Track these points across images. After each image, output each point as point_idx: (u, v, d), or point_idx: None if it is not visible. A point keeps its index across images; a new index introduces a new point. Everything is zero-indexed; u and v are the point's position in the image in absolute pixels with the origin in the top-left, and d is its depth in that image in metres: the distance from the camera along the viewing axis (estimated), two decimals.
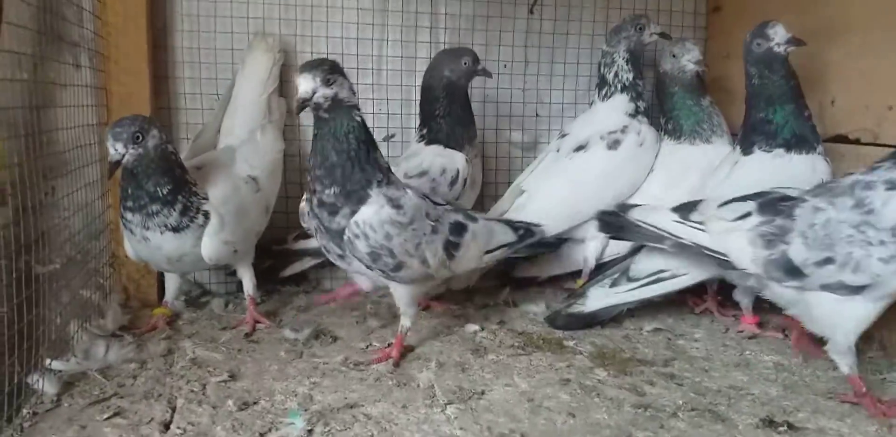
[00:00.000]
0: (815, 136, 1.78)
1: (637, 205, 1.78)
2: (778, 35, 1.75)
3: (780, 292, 1.51)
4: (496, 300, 2.08)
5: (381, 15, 2.20)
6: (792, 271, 1.45)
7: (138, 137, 1.54)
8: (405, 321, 1.63)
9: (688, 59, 2.06)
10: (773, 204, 1.51)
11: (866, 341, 1.65)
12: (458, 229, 1.63)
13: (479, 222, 1.69)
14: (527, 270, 2.20)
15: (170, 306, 1.84)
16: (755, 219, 1.51)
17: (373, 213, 1.44)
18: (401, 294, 1.61)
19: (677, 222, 1.63)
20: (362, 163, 1.46)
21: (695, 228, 1.60)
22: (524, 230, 1.81)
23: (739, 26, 2.28)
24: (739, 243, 1.51)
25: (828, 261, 1.40)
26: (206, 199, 1.70)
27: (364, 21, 2.19)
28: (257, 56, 2.04)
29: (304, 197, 1.55)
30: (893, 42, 1.69)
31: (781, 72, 1.76)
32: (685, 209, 1.65)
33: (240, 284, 1.88)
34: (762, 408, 1.42)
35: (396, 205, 1.48)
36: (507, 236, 1.78)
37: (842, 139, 1.87)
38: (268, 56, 2.04)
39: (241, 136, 1.98)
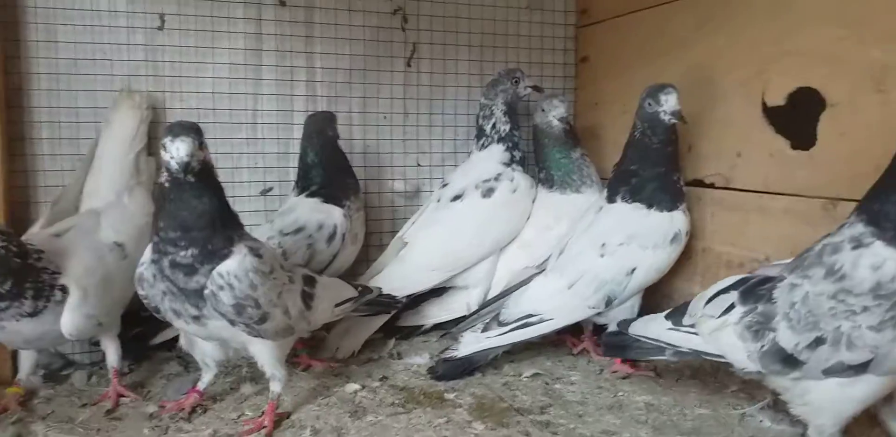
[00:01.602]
0: (679, 197, 1.85)
1: (634, 319, 1.65)
2: (668, 103, 1.76)
3: (786, 384, 1.36)
4: (380, 354, 2.05)
5: (255, 70, 2.19)
6: (788, 360, 1.29)
7: None
8: (275, 387, 1.58)
9: (553, 115, 2.14)
10: (753, 290, 1.38)
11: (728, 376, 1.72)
12: (310, 280, 1.67)
13: (324, 277, 1.76)
14: (411, 319, 2.20)
15: (23, 385, 1.71)
16: (739, 310, 1.38)
17: (237, 263, 1.42)
18: (265, 354, 1.57)
19: (671, 329, 1.51)
20: (225, 223, 1.45)
21: (688, 333, 1.47)
22: (362, 287, 1.88)
23: (606, 76, 2.42)
24: (730, 340, 1.37)
25: (818, 342, 1.24)
26: (59, 273, 1.60)
27: (236, 76, 2.17)
28: (123, 113, 1.97)
29: (143, 261, 1.49)
30: (742, 93, 1.81)
31: (662, 136, 1.81)
32: (677, 314, 1.53)
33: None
34: None
35: (257, 254, 1.48)
36: (350, 291, 1.83)
37: (698, 183, 1.98)
38: (135, 113, 1.98)
39: (106, 197, 1.90)
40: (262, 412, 1.61)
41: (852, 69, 1.52)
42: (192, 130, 1.37)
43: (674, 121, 1.77)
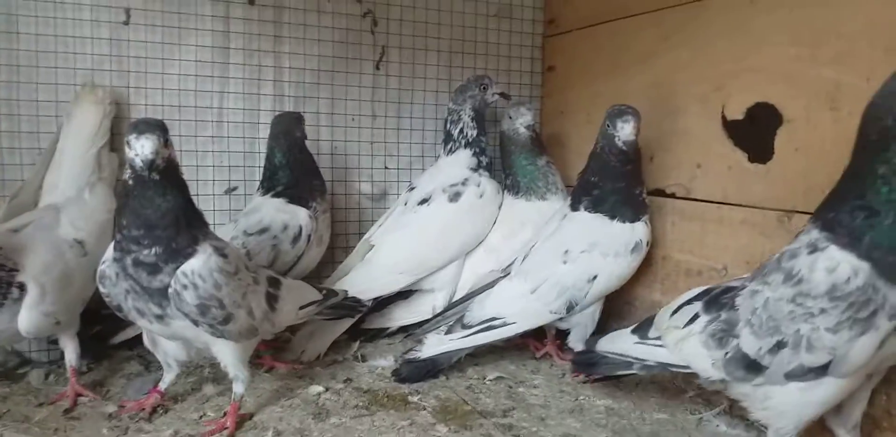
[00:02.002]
0: (641, 209, 1.89)
1: (602, 336, 1.68)
2: (622, 131, 1.78)
3: (748, 391, 1.37)
4: (345, 356, 2.05)
5: (222, 68, 2.17)
6: (751, 365, 1.32)
7: None
8: (238, 388, 1.57)
9: (520, 123, 2.17)
10: (717, 299, 1.42)
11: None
12: (275, 282, 1.67)
13: (288, 279, 1.76)
14: (376, 321, 2.20)
15: None
16: (703, 319, 1.41)
17: (202, 263, 1.41)
18: (228, 355, 1.56)
19: (638, 343, 1.54)
20: (190, 221, 1.44)
21: (654, 345, 1.50)
22: (326, 291, 1.88)
23: (572, 86, 2.47)
24: (695, 349, 1.40)
25: (780, 345, 1.28)
26: (17, 270, 1.56)
27: (203, 73, 2.15)
28: (85, 108, 1.93)
29: (105, 259, 1.46)
30: (703, 106, 1.87)
31: (620, 157, 1.83)
32: (643, 327, 1.56)
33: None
34: None
35: (222, 254, 1.47)
36: (314, 294, 1.83)
37: (660, 193, 2.03)
38: (97, 108, 1.94)
39: (66, 193, 1.86)
40: (225, 413, 1.59)
41: (807, 87, 1.58)
42: (158, 128, 1.36)
43: (625, 149, 1.81)
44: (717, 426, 1.64)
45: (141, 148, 1.33)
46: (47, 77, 1.97)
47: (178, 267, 1.39)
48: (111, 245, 1.47)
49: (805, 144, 1.59)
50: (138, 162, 1.33)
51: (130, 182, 1.39)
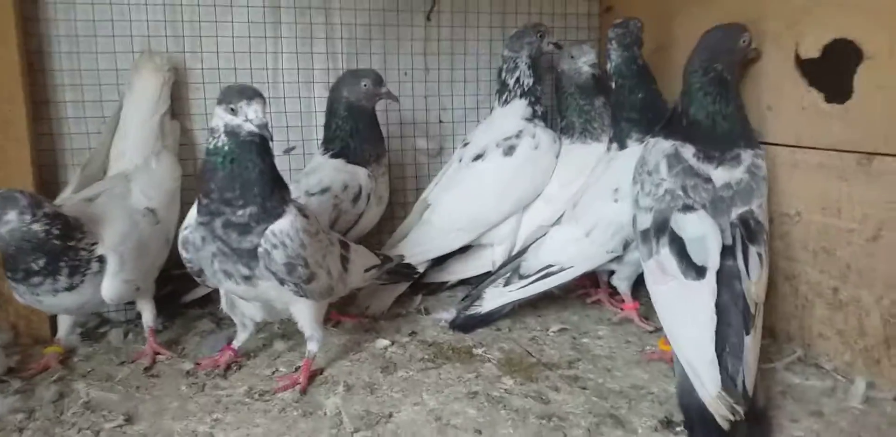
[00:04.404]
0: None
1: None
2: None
3: None
4: (408, 309, 2.08)
5: (274, 27, 2.16)
6: None
7: None
8: (312, 346, 1.62)
9: (584, 62, 2.12)
10: None
11: None
12: (345, 244, 1.71)
13: (352, 244, 1.79)
14: (436, 275, 2.22)
15: (63, 343, 1.75)
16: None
17: (289, 223, 1.45)
18: (306, 314, 1.60)
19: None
20: (279, 181, 1.48)
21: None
22: (384, 256, 1.92)
23: None
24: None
25: None
26: (96, 243, 1.61)
27: (256, 34, 2.14)
28: (145, 76, 1.96)
29: (187, 225, 1.50)
30: (775, 43, 1.75)
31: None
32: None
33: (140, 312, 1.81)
34: (660, 408, 1.47)
35: (305, 214, 1.51)
36: (374, 259, 1.86)
37: None
38: (157, 75, 1.96)
39: (134, 160, 1.91)
40: (297, 369, 1.65)
41: (892, 19, 1.46)
42: (258, 93, 1.41)
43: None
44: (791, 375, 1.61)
45: (254, 112, 1.37)
46: (106, 46, 1.99)
47: (266, 227, 1.43)
48: (192, 211, 1.50)
49: (889, 82, 1.48)
50: (251, 126, 1.38)
51: (228, 146, 1.41)
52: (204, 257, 1.48)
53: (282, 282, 1.47)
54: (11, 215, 1.48)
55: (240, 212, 1.42)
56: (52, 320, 1.84)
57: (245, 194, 1.42)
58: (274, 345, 1.83)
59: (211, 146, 1.43)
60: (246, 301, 1.64)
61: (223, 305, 1.68)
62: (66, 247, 1.56)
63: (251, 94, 1.40)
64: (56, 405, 1.51)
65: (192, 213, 1.50)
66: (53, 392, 1.55)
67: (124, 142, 1.93)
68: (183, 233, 1.51)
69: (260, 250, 1.43)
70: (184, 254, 1.52)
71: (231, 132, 1.40)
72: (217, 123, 1.42)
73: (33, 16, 1.91)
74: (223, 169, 1.42)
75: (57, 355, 1.72)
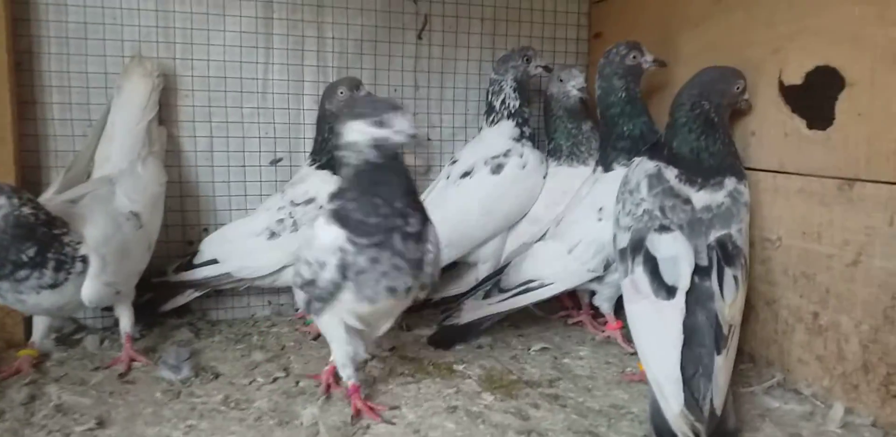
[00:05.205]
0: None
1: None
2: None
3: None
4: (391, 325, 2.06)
5: (266, 38, 2.17)
6: None
7: None
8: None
9: (572, 85, 2.15)
10: None
11: (737, 354, 1.73)
12: None
13: None
14: None
15: (37, 347, 1.72)
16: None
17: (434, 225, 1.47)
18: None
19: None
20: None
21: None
22: None
23: None
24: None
25: None
26: (80, 242, 1.60)
27: (247, 44, 2.15)
28: (135, 81, 1.95)
29: (338, 249, 1.37)
30: (759, 70, 1.79)
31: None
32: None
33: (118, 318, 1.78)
34: (640, 427, 1.46)
35: None
36: None
37: None
38: (146, 81, 1.96)
39: (118, 165, 1.89)
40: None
41: (873, 48, 1.50)
42: (400, 105, 1.42)
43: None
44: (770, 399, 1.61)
45: (406, 124, 1.36)
46: (96, 49, 1.99)
47: (423, 230, 1.42)
48: (330, 239, 1.37)
49: (869, 109, 1.52)
50: (403, 136, 1.36)
51: (379, 160, 1.38)
52: (367, 280, 1.37)
53: (422, 287, 1.48)
54: (2, 200, 1.48)
55: (412, 220, 1.39)
56: (27, 324, 1.81)
57: (410, 201, 1.41)
58: (252, 355, 1.80)
59: (357, 162, 1.38)
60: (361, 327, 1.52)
61: (348, 352, 1.52)
62: (53, 236, 1.54)
63: (397, 106, 1.39)
64: (27, 407, 1.48)
65: (339, 236, 1.36)
66: (24, 395, 1.52)
67: (110, 146, 1.92)
68: (340, 261, 1.36)
69: (429, 255, 1.43)
70: (334, 279, 1.37)
71: (379, 145, 1.36)
72: (355, 137, 1.37)
73: (24, 16, 1.91)
74: (375, 182, 1.38)
75: (30, 359, 1.69)
